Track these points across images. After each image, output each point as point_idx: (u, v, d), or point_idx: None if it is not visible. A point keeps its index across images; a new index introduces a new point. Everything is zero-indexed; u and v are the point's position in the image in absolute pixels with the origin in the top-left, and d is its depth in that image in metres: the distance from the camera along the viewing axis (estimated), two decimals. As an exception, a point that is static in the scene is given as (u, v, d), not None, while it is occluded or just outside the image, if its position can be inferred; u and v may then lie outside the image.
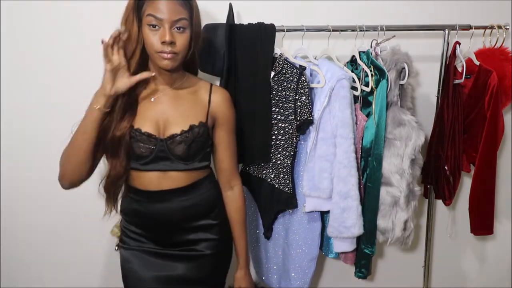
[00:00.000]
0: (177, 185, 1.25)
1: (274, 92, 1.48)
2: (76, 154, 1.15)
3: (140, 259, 1.29)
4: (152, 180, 1.23)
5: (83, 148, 1.14)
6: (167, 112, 1.23)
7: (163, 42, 1.11)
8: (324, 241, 1.64)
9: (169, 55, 1.12)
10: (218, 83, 1.60)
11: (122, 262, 1.32)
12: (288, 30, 1.46)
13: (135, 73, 1.15)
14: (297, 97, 1.42)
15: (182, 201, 1.26)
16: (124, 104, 1.17)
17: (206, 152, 1.29)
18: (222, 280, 1.41)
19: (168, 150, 1.21)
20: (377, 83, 1.46)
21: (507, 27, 1.55)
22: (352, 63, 1.58)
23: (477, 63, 1.53)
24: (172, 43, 1.11)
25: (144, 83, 1.22)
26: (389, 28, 1.50)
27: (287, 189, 1.52)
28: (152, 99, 1.23)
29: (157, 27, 1.11)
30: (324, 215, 1.58)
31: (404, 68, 1.46)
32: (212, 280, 1.35)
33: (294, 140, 1.48)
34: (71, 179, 1.18)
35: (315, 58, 1.52)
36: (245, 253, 1.42)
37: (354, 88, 1.50)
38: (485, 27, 1.56)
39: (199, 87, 1.30)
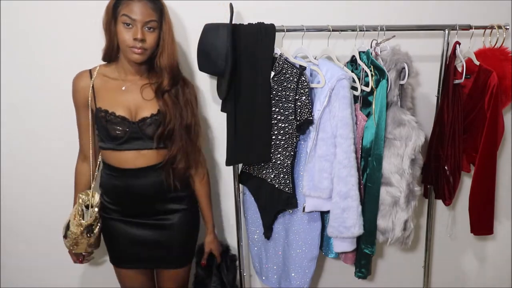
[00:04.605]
0: (150, 163, 1.42)
1: (274, 92, 1.48)
2: None
3: (120, 224, 1.49)
4: (128, 158, 1.40)
5: None
6: (137, 98, 1.40)
7: (135, 39, 1.28)
8: (324, 241, 1.64)
9: (139, 50, 1.30)
10: (216, 82, 1.60)
11: (105, 226, 1.51)
12: (288, 30, 1.46)
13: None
14: (297, 97, 1.42)
15: (155, 177, 1.43)
16: None
17: None
18: (192, 246, 1.62)
19: (140, 131, 1.38)
20: (377, 83, 1.46)
21: (507, 27, 1.55)
22: (352, 63, 1.58)
23: (477, 63, 1.53)
24: (142, 40, 1.29)
25: (115, 74, 1.41)
26: (389, 28, 1.49)
27: (287, 189, 1.52)
28: (123, 88, 1.40)
29: (130, 25, 1.29)
30: (324, 215, 1.58)
31: (404, 68, 1.46)
32: (182, 246, 1.56)
33: (294, 140, 1.48)
34: None
35: (315, 58, 1.52)
36: (211, 220, 1.63)
37: (354, 88, 1.50)
38: (485, 27, 1.56)
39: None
